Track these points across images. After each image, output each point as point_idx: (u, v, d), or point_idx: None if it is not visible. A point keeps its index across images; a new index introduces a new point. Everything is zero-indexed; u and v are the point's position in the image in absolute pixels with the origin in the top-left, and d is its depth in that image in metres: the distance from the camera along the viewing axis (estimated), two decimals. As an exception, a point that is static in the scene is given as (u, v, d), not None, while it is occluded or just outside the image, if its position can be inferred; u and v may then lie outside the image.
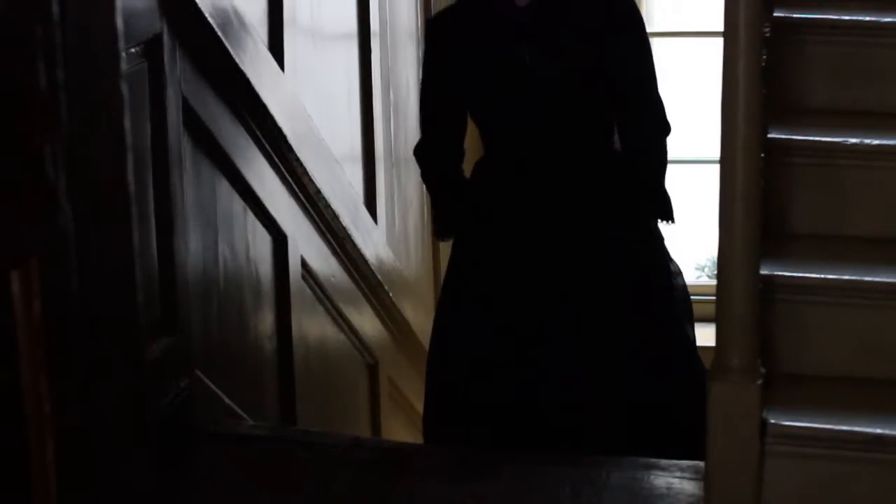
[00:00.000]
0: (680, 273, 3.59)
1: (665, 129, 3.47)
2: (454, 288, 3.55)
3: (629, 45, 3.41)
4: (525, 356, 3.43)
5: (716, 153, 2.63)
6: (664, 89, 3.55)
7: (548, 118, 3.40)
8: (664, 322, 3.49)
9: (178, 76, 2.92)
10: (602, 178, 3.44)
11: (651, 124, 3.46)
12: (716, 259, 2.67)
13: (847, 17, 3.09)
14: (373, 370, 4.23)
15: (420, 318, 4.64)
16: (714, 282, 2.65)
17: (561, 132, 3.41)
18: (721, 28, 2.58)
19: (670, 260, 3.57)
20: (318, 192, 3.69)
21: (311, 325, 3.73)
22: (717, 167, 2.64)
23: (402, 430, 4.51)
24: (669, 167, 3.59)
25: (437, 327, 3.60)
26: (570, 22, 3.39)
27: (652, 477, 2.87)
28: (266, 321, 3.45)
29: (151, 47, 2.80)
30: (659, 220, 3.50)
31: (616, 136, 3.53)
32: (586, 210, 3.43)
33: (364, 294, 4.13)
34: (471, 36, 3.43)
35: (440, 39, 3.48)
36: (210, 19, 3.03)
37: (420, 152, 3.56)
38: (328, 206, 3.76)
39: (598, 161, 3.46)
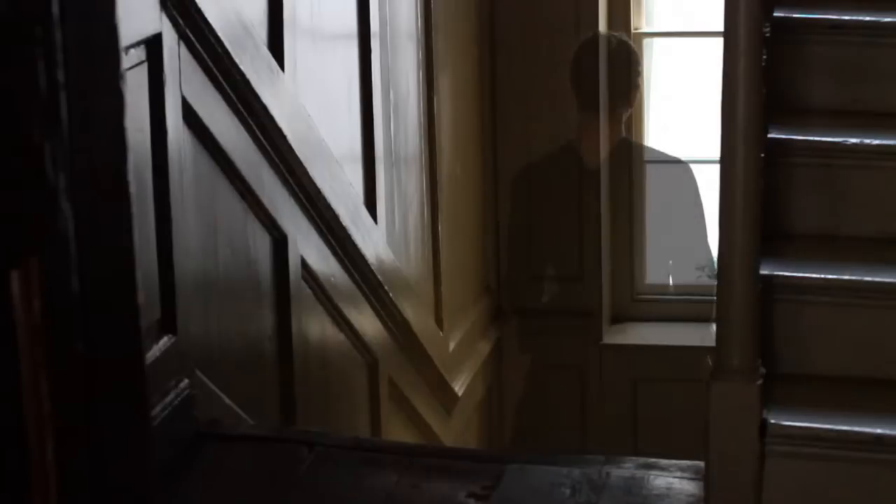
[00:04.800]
0: None
1: None
2: None
3: None
4: None
5: (716, 153, 2.63)
6: (663, 90, 3.58)
7: None
8: None
9: (178, 76, 2.92)
10: None
11: None
12: (716, 259, 2.67)
13: (847, 17, 3.09)
14: (373, 370, 4.23)
15: (420, 318, 4.63)
16: (714, 282, 2.65)
17: None
18: (721, 28, 2.58)
19: None
20: (318, 192, 3.69)
21: (311, 325, 3.72)
22: (717, 167, 2.64)
23: (402, 430, 4.51)
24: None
25: None
26: None
27: (652, 477, 2.87)
28: (266, 321, 3.45)
29: (151, 47, 2.80)
30: None
31: None
32: None
33: (364, 294, 4.12)
34: None
35: None
36: (210, 19, 3.03)
37: None
38: (328, 206, 3.76)
39: None
